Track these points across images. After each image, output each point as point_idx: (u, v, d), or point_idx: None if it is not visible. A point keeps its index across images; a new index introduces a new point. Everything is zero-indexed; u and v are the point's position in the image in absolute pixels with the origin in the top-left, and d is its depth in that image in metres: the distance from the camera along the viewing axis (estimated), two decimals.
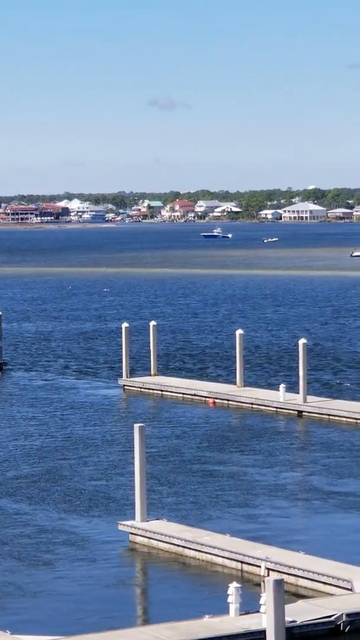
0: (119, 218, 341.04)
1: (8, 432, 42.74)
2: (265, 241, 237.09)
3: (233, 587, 20.38)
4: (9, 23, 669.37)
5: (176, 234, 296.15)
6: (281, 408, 45.63)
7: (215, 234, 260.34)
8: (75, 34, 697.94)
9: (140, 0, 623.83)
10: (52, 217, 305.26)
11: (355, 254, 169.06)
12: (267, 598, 17.21)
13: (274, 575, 21.07)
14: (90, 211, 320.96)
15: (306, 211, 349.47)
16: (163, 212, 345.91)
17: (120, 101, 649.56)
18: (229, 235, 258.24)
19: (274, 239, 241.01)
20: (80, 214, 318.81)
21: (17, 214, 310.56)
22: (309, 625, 20.21)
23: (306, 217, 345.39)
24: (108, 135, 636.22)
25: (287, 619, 18.01)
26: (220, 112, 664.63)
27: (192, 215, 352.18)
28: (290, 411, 45.37)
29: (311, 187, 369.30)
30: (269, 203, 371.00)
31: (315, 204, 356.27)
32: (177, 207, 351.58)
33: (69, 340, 73.35)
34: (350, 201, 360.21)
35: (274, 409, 46.01)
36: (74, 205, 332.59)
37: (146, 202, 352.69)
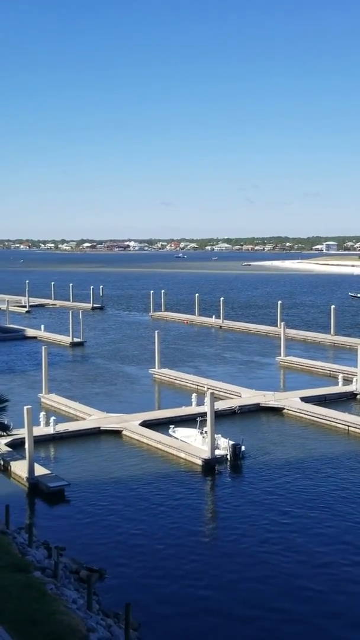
0: (148, 250, 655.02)
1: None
2: (176, 256, 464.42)
3: (194, 394, 49.31)
4: None
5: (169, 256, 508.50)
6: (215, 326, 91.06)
7: (180, 255, 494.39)
8: None
9: None
10: (122, 249, 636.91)
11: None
12: (207, 399, 38.70)
13: (210, 391, 48.84)
14: (138, 246, 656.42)
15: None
16: (167, 247, 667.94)
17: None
18: (185, 257, 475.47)
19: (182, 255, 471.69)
20: (134, 247, 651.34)
21: (108, 247, 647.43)
22: (224, 410, 47.02)
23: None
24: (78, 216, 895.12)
25: (215, 407, 44.90)
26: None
27: (182, 247, 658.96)
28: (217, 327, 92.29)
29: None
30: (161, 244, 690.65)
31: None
32: (172, 245, 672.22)
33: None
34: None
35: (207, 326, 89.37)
36: (132, 244, 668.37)
37: (159, 244, 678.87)
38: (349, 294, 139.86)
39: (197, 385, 54.51)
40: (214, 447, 35.98)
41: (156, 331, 60.49)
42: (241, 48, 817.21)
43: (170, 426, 41.68)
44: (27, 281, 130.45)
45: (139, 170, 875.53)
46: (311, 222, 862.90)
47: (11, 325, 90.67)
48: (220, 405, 46.53)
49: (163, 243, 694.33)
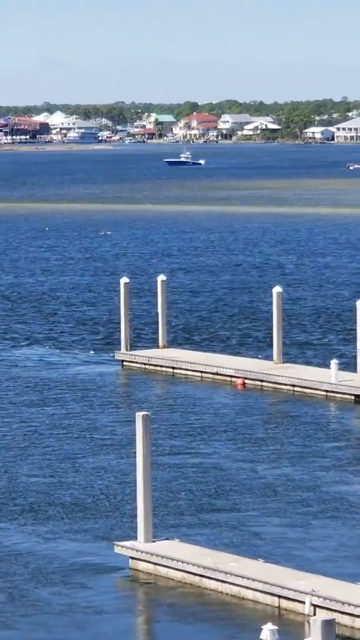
0: (116, 137, 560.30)
1: None
2: (350, 168, 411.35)
3: (268, 630, 33.98)
4: None
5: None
6: (333, 391, 73.90)
7: (182, 159, 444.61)
8: None
9: None
10: (27, 136, 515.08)
11: None
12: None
13: (323, 614, 35.44)
14: (79, 128, 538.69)
15: None
16: (176, 130, 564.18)
17: None
18: (202, 162, 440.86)
19: None
20: (64, 131, 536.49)
21: None
22: None
23: None
24: (99, 29, 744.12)
25: None
26: None
27: (215, 134, 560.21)
28: (346, 395, 73.40)
29: None
30: (317, 118, 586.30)
31: None
32: (194, 124, 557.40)
33: (50, 301, 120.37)
34: None
35: (324, 393, 74.72)
36: (57, 119, 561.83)
37: (153, 117, 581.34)
38: None
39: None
40: None
41: (139, 413, 46.04)
42: None
43: None
44: None
45: None
46: None
47: None
48: None
49: (167, 119, 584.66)
